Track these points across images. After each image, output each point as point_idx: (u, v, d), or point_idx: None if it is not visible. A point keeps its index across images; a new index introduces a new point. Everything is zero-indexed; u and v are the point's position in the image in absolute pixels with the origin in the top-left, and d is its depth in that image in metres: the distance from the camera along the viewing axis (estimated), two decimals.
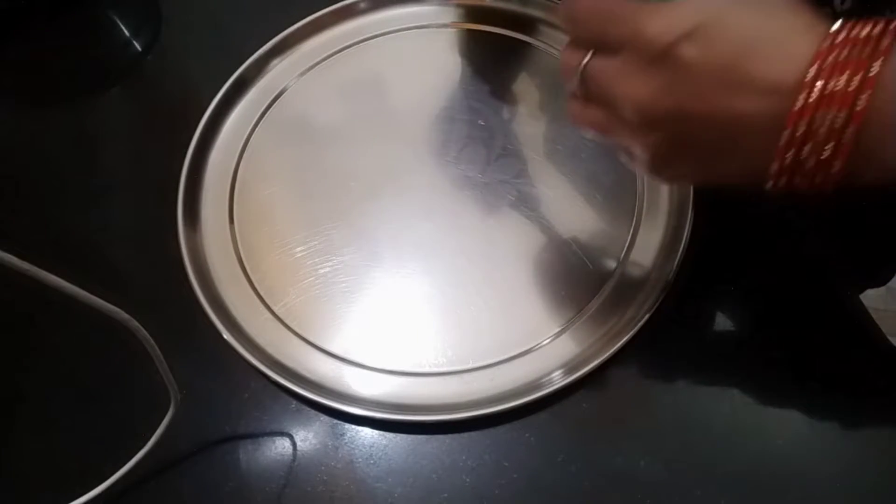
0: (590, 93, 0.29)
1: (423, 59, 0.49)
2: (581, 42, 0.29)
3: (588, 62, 0.28)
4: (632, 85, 0.26)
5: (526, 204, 0.42)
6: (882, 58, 0.22)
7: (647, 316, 0.36)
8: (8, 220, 0.44)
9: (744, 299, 0.38)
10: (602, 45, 0.28)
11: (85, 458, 0.36)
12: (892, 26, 0.23)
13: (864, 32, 0.23)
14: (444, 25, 0.50)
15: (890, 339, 0.36)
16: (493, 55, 0.48)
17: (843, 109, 0.22)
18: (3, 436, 0.37)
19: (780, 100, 0.23)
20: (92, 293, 0.25)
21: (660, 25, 0.25)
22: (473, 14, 0.50)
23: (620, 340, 0.36)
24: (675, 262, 0.38)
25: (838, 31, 0.23)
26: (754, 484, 0.33)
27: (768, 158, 0.25)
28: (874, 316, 0.37)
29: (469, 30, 0.49)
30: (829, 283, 0.38)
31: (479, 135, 0.44)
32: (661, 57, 0.25)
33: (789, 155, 0.24)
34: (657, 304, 0.37)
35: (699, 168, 0.28)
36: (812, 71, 0.23)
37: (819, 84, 0.22)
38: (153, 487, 0.35)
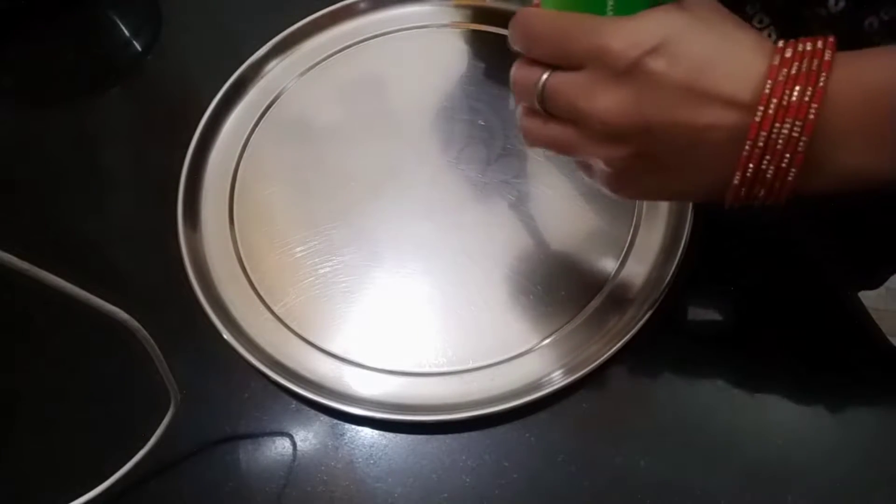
0: (550, 109, 0.29)
1: (423, 59, 0.49)
2: (538, 59, 0.29)
3: (548, 78, 0.28)
4: (599, 98, 0.26)
5: (526, 204, 0.42)
6: (826, 71, 0.24)
7: (647, 316, 0.36)
8: (8, 220, 0.44)
9: (744, 299, 0.38)
10: (562, 62, 0.28)
11: (85, 458, 0.36)
12: (829, 40, 0.24)
13: (809, 47, 0.24)
14: (444, 25, 0.50)
15: (890, 339, 0.36)
16: (494, 55, 0.48)
17: (798, 120, 0.24)
18: (2, 436, 0.37)
19: (739, 113, 0.25)
20: (92, 293, 0.25)
21: (626, 40, 0.26)
22: (473, 14, 0.50)
23: (620, 340, 0.36)
24: (675, 263, 0.38)
25: (784, 48, 0.25)
26: (754, 484, 0.33)
27: (729, 171, 0.26)
28: (874, 316, 0.37)
29: (469, 30, 0.49)
30: (828, 283, 0.38)
31: (480, 135, 0.44)
32: (628, 70, 0.26)
33: (751, 166, 0.25)
34: (657, 305, 0.37)
35: (662, 182, 0.28)
36: (768, 85, 0.24)
37: (775, 98, 0.24)
38: (153, 487, 0.35)
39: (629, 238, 0.40)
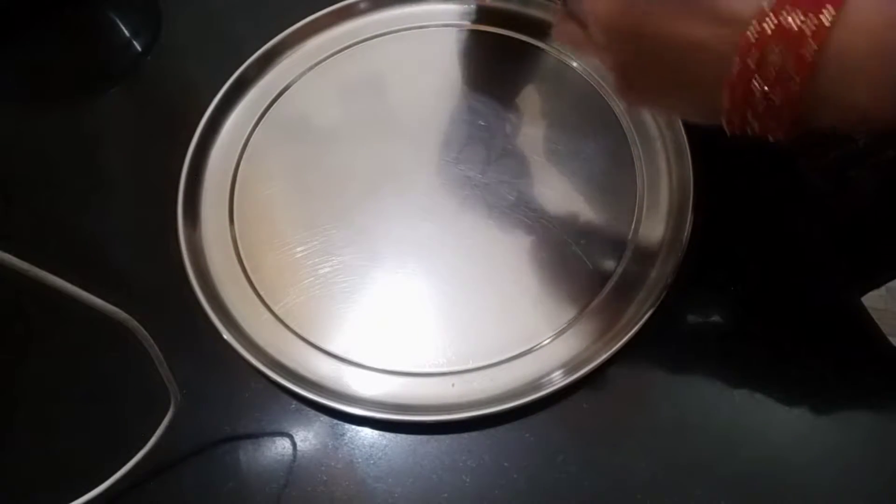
0: (568, 9, 0.31)
1: (423, 59, 0.49)
2: None
3: None
4: (596, 1, 0.27)
5: (526, 204, 0.42)
6: (836, 6, 0.22)
7: (647, 316, 0.36)
8: (8, 220, 0.44)
9: (744, 299, 0.38)
10: None
11: (85, 458, 0.36)
12: None
13: None
14: (444, 25, 0.50)
15: (890, 339, 0.36)
16: (494, 55, 0.48)
17: (792, 52, 0.22)
18: (2, 436, 0.37)
19: (736, 30, 0.23)
20: (92, 293, 0.25)
21: None
22: (473, 14, 0.50)
23: (620, 340, 0.36)
24: (675, 262, 0.38)
25: None
26: (754, 484, 0.33)
27: (720, 94, 0.25)
28: (874, 316, 0.37)
29: (469, 30, 0.50)
30: (828, 283, 0.38)
31: (480, 135, 0.44)
32: None
33: (739, 89, 0.24)
34: (657, 304, 0.37)
35: (661, 93, 0.28)
36: (769, 2, 0.22)
37: (774, 17, 0.22)
38: (153, 487, 0.35)
39: (629, 237, 0.40)
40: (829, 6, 0.21)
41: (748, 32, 0.23)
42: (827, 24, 0.21)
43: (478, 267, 0.40)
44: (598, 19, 0.27)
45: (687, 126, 0.42)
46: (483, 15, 0.49)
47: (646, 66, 0.27)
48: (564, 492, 0.34)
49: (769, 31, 0.22)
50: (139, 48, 0.52)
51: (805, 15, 0.22)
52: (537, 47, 0.48)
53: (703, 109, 0.27)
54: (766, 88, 0.23)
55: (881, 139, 0.39)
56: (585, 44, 0.30)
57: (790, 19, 0.22)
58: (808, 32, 0.22)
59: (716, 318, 0.38)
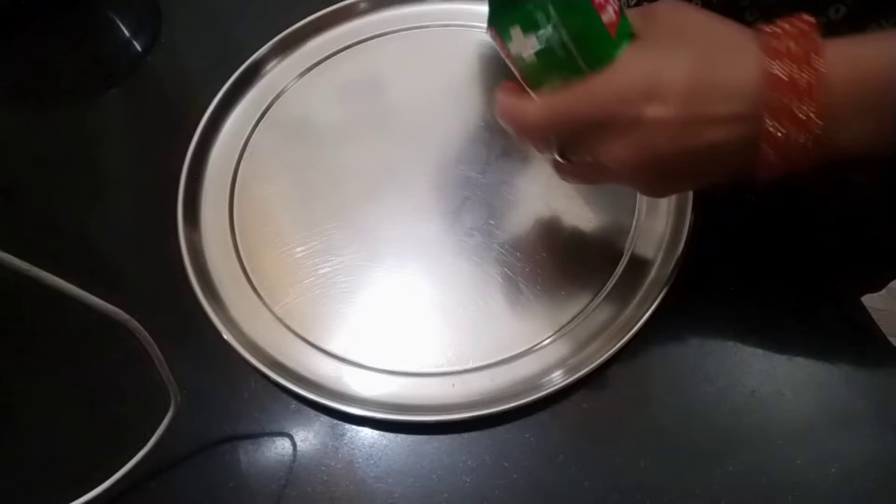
0: (574, 160, 0.33)
1: (423, 59, 0.49)
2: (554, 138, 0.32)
3: (563, 149, 0.32)
4: (614, 151, 0.29)
5: (526, 204, 0.42)
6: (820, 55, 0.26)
7: (646, 316, 0.36)
8: (8, 220, 0.44)
9: (743, 299, 0.38)
10: (572, 137, 0.31)
11: (85, 458, 0.36)
12: (812, 24, 0.26)
13: (795, 47, 0.26)
14: (445, 25, 0.50)
15: (890, 339, 0.36)
16: (493, 55, 0.48)
17: (807, 101, 0.25)
18: (2, 436, 0.37)
19: (745, 124, 0.27)
20: (92, 293, 0.25)
21: (617, 103, 0.28)
22: (474, 14, 0.50)
23: (620, 340, 0.36)
24: (675, 262, 0.38)
25: (771, 48, 0.26)
26: (754, 484, 0.33)
27: (751, 158, 0.27)
28: (874, 316, 0.37)
29: (469, 30, 0.49)
30: (828, 283, 0.38)
31: (480, 135, 0.44)
32: (632, 124, 0.28)
33: (780, 145, 0.26)
34: (657, 304, 0.37)
35: (690, 184, 0.33)
36: (766, 94, 0.26)
37: (775, 86, 0.25)
38: (153, 487, 0.35)
39: (629, 238, 0.40)
40: (817, 58, 0.25)
41: (770, 105, 0.26)
42: (823, 70, 0.25)
43: (478, 267, 0.40)
44: (624, 163, 0.29)
45: None
46: (483, 15, 0.49)
47: (673, 173, 0.30)
48: (564, 492, 0.34)
49: (779, 100, 0.25)
50: (139, 48, 0.53)
51: (801, 70, 0.25)
52: None
53: (735, 175, 0.29)
54: (800, 140, 0.26)
55: None
56: (604, 177, 0.33)
57: (795, 75, 0.25)
58: (813, 82, 0.25)
59: (715, 318, 0.38)
